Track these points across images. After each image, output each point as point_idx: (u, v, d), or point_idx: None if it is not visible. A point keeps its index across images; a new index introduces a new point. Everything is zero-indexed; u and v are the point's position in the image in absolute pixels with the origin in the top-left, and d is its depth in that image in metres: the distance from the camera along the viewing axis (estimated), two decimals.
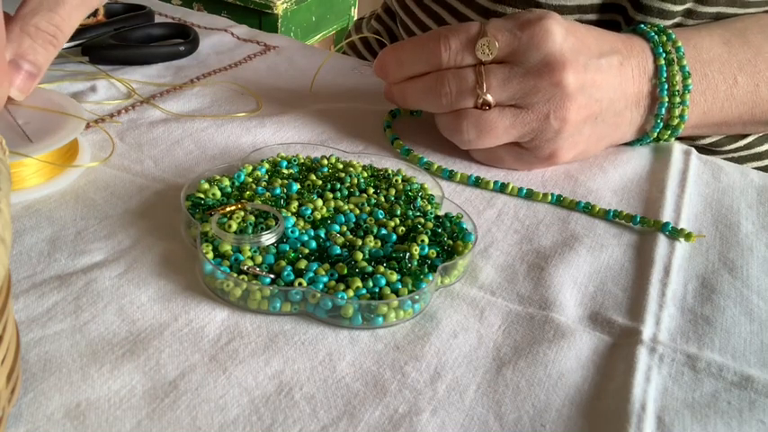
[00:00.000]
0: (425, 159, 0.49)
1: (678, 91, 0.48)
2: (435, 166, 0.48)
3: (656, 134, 0.50)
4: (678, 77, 0.47)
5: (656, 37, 0.48)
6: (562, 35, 0.44)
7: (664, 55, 0.47)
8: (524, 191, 0.46)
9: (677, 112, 0.48)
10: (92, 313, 0.34)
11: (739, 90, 0.50)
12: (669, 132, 0.50)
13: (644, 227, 0.44)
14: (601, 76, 0.45)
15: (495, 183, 0.47)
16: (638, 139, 0.51)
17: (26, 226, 0.39)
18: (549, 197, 0.46)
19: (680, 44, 0.48)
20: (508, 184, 0.47)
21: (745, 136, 0.64)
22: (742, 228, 0.46)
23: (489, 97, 0.45)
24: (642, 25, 0.50)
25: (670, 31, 0.48)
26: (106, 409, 0.29)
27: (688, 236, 0.43)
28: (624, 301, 0.38)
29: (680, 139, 0.62)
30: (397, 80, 0.49)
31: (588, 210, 0.45)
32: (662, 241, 0.43)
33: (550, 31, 0.44)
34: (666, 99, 0.48)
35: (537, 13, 0.45)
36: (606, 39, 0.47)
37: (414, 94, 0.48)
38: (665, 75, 0.47)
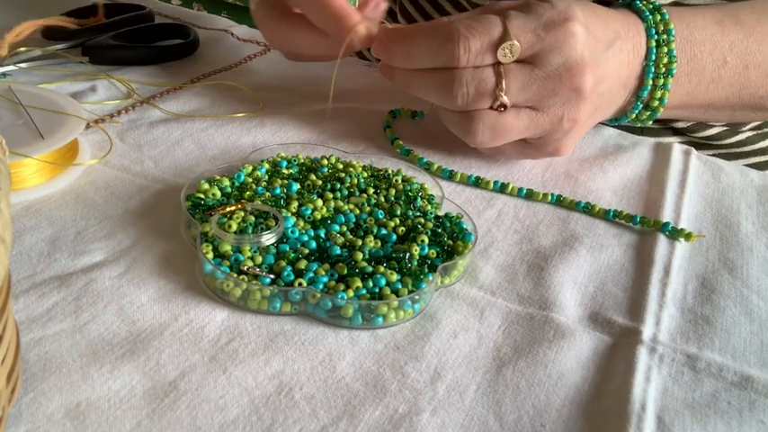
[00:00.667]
0: (425, 159, 0.49)
1: (663, 74, 0.47)
2: (435, 166, 0.48)
3: (634, 115, 0.49)
4: (665, 60, 0.47)
5: (651, 17, 0.47)
6: (584, 37, 0.43)
7: (656, 37, 0.47)
8: (524, 191, 0.46)
9: (658, 94, 0.48)
10: (92, 313, 0.34)
11: (727, 71, 0.50)
12: (648, 114, 0.49)
13: (644, 227, 0.44)
14: (607, 70, 0.45)
15: (495, 183, 0.47)
16: (616, 119, 0.51)
17: (26, 226, 0.39)
18: (549, 197, 0.46)
19: (671, 26, 0.47)
20: (508, 184, 0.47)
21: (743, 130, 0.64)
22: (742, 228, 0.46)
23: (507, 99, 0.43)
24: (638, 1, 0.48)
25: (664, 11, 0.48)
26: (106, 409, 0.29)
27: (688, 236, 0.43)
28: (624, 301, 0.38)
29: (682, 132, 0.62)
30: (402, 67, 0.46)
31: (588, 210, 0.45)
32: (662, 241, 0.43)
33: (574, 33, 0.43)
34: (651, 82, 0.47)
35: (560, 9, 0.43)
36: (610, 22, 0.46)
37: (423, 86, 0.46)
38: (653, 57, 0.47)
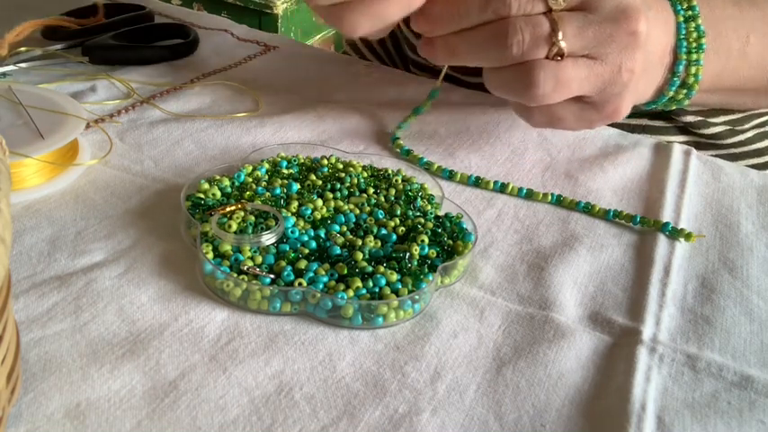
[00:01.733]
0: (425, 159, 0.49)
1: (694, 49, 0.47)
2: (435, 166, 0.48)
3: (671, 93, 0.48)
4: (694, 35, 0.47)
5: None
6: None
7: (682, 12, 0.47)
8: (524, 191, 0.46)
9: (693, 70, 0.47)
10: (92, 313, 0.34)
11: (752, 50, 0.49)
12: (684, 92, 0.48)
13: (644, 227, 0.44)
14: (651, 27, 0.44)
15: (495, 183, 0.47)
16: (653, 101, 0.50)
17: (26, 226, 0.39)
18: (549, 197, 0.46)
19: (694, 2, 0.47)
20: (508, 184, 0.47)
21: (745, 129, 0.64)
22: (742, 228, 0.46)
23: (564, 45, 0.41)
24: None
25: None
26: (106, 409, 0.29)
27: (688, 236, 0.43)
28: (624, 301, 0.38)
29: (684, 130, 0.62)
30: (447, 32, 0.43)
31: (588, 210, 0.45)
32: (662, 241, 0.43)
33: None
34: (684, 57, 0.47)
35: None
36: None
37: (470, 45, 0.42)
38: (683, 32, 0.46)
